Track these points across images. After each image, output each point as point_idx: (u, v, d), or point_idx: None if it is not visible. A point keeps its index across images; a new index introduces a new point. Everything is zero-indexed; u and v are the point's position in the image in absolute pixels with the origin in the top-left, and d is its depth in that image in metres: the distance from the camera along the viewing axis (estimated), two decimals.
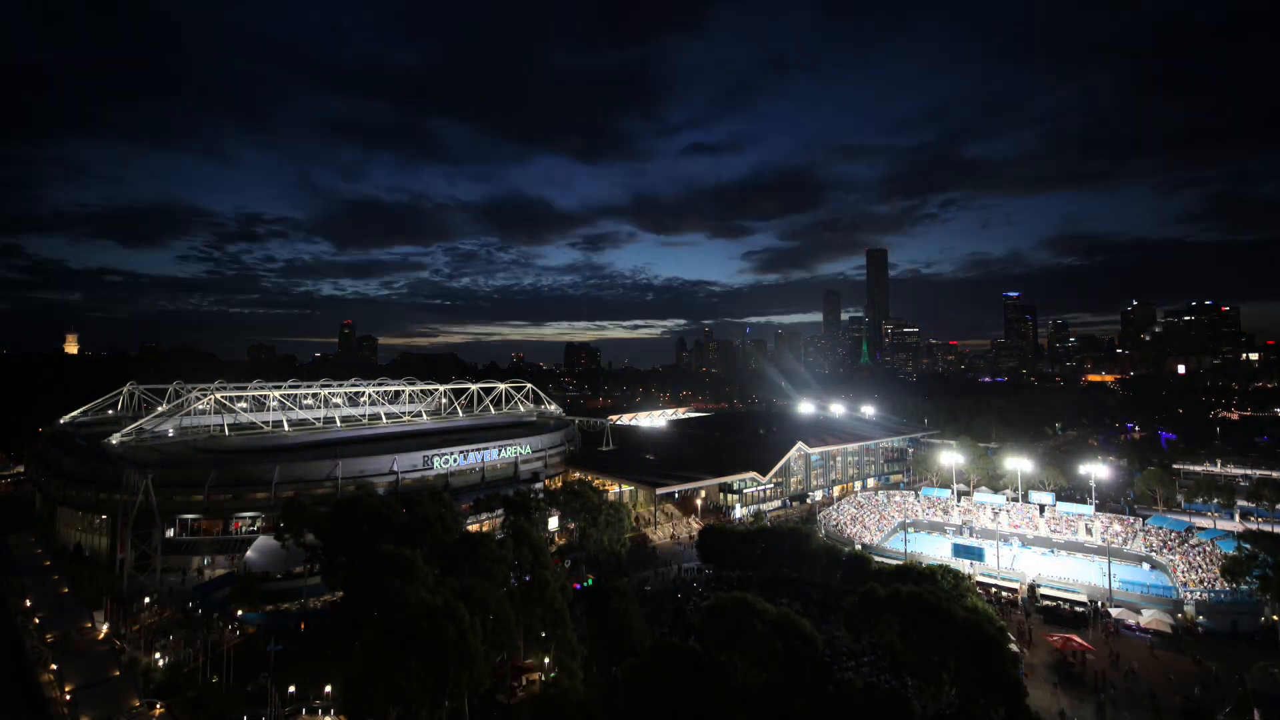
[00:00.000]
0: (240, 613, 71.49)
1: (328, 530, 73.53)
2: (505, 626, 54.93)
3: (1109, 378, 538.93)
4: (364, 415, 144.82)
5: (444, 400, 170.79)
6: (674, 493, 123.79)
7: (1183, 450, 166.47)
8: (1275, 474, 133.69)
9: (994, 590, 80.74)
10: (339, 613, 57.88)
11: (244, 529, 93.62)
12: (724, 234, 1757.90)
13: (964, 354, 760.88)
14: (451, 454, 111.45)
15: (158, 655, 61.94)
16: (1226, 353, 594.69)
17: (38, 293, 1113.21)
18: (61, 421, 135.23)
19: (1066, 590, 78.31)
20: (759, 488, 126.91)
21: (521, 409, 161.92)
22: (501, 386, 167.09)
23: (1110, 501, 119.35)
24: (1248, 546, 72.00)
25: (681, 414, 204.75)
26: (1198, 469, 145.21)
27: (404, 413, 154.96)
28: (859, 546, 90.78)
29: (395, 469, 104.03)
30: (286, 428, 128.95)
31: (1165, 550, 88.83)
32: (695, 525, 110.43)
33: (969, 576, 73.52)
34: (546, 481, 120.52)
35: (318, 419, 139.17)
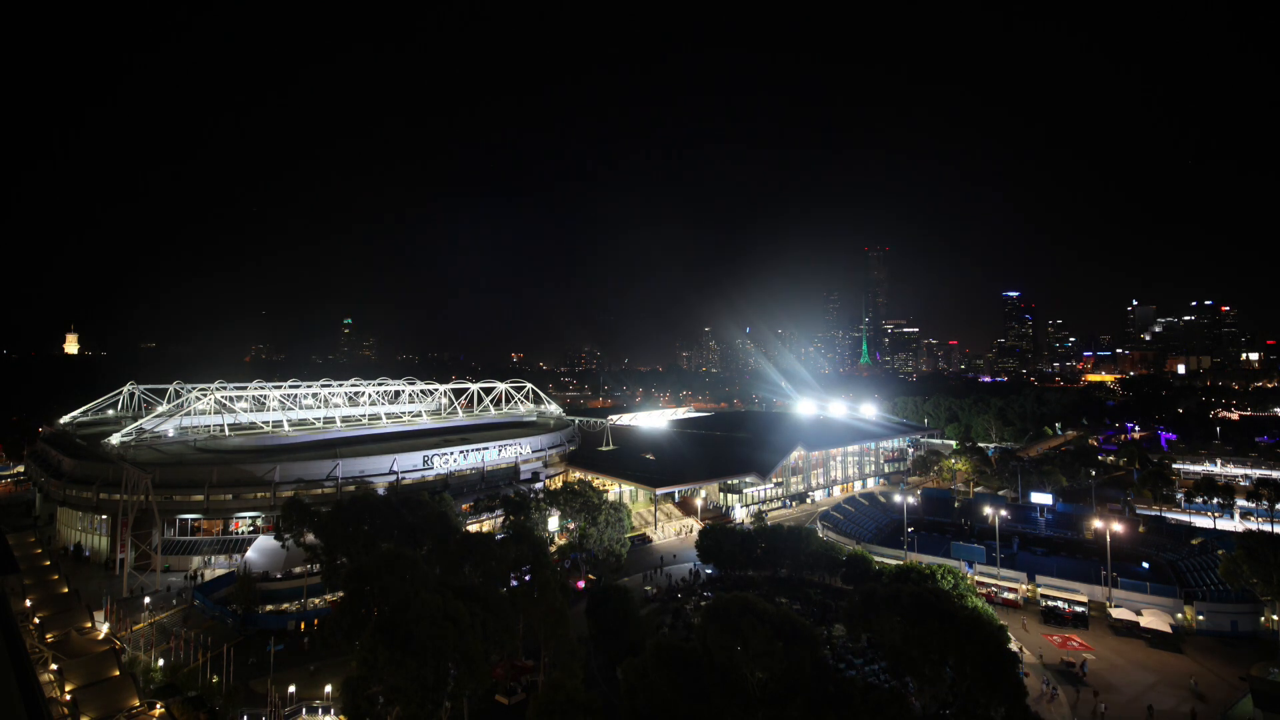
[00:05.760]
0: (240, 612, 71.43)
1: (328, 530, 73.58)
2: (505, 626, 54.90)
3: (1109, 378, 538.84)
4: (364, 415, 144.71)
5: (444, 400, 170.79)
6: (674, 493, 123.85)
7: (1183, 450, 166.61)
8: (1275, 474, 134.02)
9: (994, 590, 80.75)
10: (339, 613, 57.76)
11: (244, 529, 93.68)
12: None
13: (964, 354, 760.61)
14: (451, 454, 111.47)
15: (158, 655, 62.01)
16: (1227, 352, 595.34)
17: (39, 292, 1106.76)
18: (61, 421, 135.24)
19: (1066, 590, 78.27)
20: (759, 488, 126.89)
21: (521, 409, 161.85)
22: (501, 386, 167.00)
23: (1111, 502, 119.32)
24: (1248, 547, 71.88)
25: (681, 414, 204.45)
26: (1198, 469, 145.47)
27: (404, 413, 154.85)
28: (859, 547, 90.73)
29: (395, 469, 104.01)
30: (286, 427, 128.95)
31: (1165, 550, 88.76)
32: (695, 525, 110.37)
33: (968, 576, 73.53)
34: (547, 481, 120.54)
35: (318, 419, 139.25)
